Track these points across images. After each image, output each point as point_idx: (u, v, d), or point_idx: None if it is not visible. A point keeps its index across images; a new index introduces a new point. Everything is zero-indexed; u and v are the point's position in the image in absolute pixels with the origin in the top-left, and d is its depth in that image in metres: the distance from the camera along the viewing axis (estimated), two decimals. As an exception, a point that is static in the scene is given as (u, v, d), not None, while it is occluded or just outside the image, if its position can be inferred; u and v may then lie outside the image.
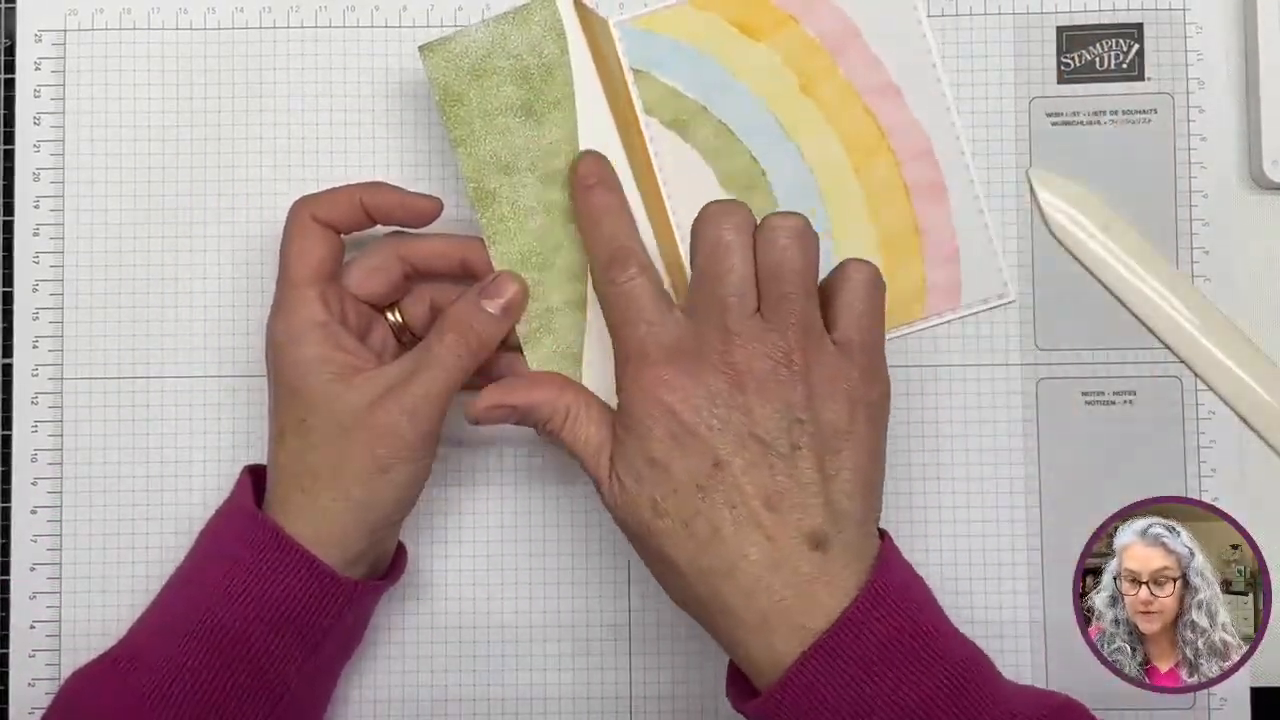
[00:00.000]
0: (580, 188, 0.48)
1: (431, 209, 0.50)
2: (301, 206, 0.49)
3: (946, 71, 0.55)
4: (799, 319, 0.43)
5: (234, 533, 0.47)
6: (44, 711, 0.47)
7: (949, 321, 0.54)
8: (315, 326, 0.47)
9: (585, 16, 0.51)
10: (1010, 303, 0.54)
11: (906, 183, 0.54)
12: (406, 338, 0.52)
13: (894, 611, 0.42)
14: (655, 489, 0.43)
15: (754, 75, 0.55)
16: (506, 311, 0.48)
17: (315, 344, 0.47)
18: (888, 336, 0.53)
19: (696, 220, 0.45)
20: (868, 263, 0.45)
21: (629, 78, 0.54)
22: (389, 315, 0.51)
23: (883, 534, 0.45)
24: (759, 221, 0.44)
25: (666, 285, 0.48)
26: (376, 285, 0.50)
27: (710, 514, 0.42)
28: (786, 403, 0.42)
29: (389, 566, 0.51)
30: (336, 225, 0.49)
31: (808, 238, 0.44)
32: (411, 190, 0.50)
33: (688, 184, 0.54)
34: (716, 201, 0.45)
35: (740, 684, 0.45)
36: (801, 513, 0.42)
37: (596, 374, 0.49)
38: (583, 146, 0.50)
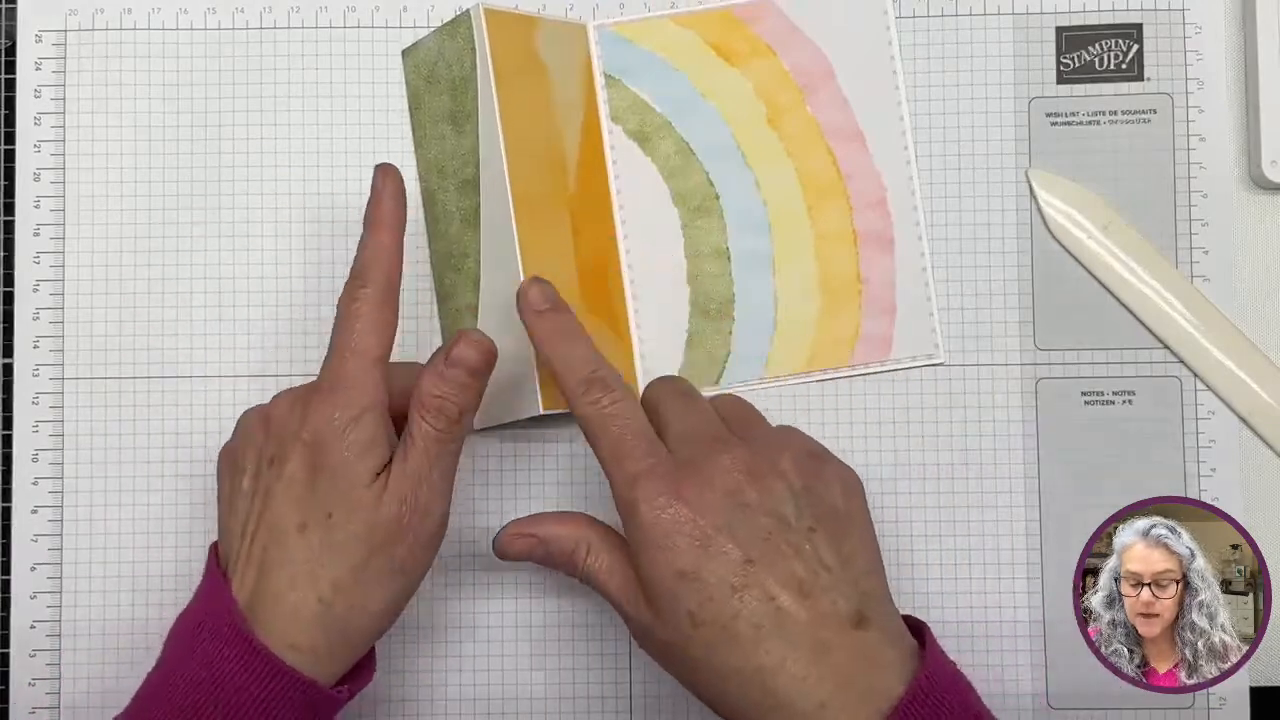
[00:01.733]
0: (530, 313, 0.47)
1: (395, 181, 0.47)
2: (384, 268, 0.46)
3: (941, 83, 0.55)
4: (767, 434, 0.47)
5: (224, 655, 0.43)
6: None
7: (872, 374, 0.54)
8: (375, 411, 0.44)
9: (512, 26, 0.51)
10: (939, 364, 0.54)
11: (856, 229, 0.55)
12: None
13: (952, 688, 0.42)
14: (689, 600, 0.42)
15: (724, 99, 0.55)
16: (473, 374, 0.45)
17: (372, 429, 0.44)
18: (813, 379, 0.54)
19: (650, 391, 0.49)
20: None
21: (599, 81, 0.54)
22: None
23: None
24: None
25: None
26: (389, 337, 0.46)
27: (750, 612, 0.42)
28: (791, 491, 0.44)
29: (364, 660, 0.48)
30: (396, 279, 0.47)
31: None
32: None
33: (641, 196, 0.55)
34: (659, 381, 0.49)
35: None
36: (835, 595, 0.43)
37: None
38: (481, 162, 0.51)
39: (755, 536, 0.43)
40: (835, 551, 0.43)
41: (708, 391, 0.54)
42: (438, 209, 0.53)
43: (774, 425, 0.49)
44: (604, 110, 0.54)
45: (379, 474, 0.44)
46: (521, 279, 0.48)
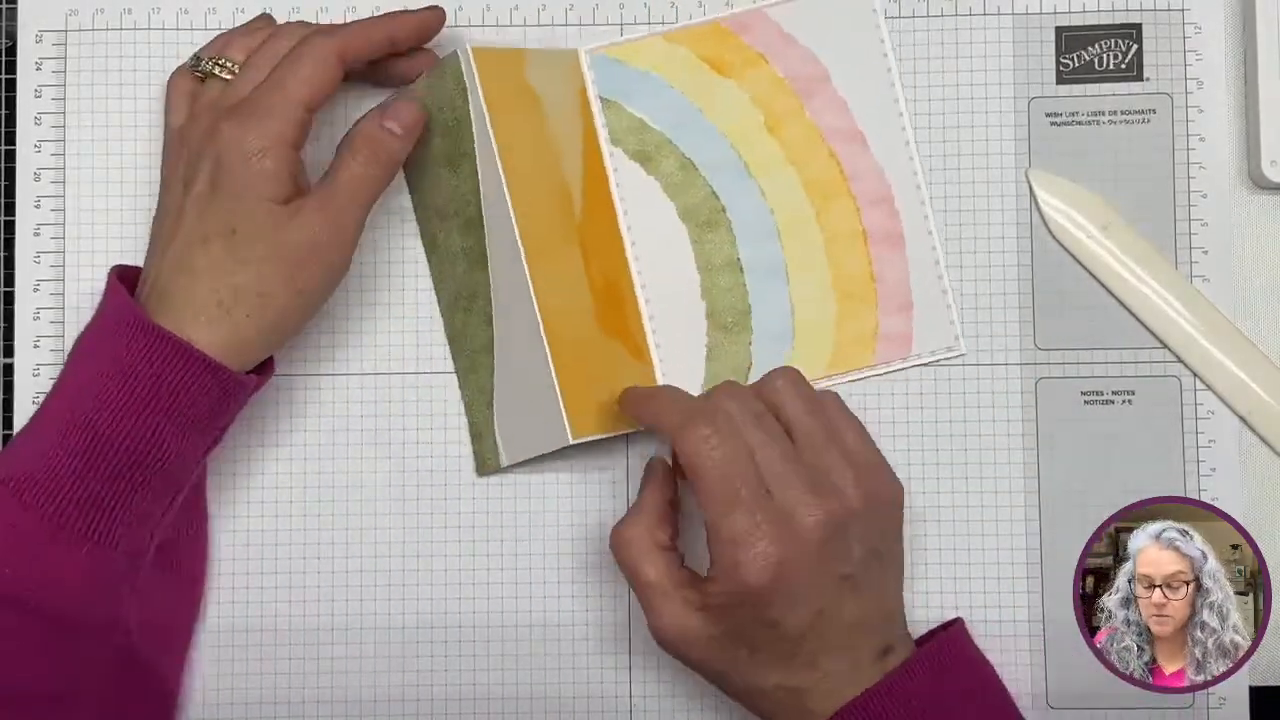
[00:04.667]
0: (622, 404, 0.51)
1: (437, 22, 0.52)
2: (329, 41, 0.49)
3: (941, 83, 0.55)
4: (843, 459, 0.47)
5: (119, 342, 0.46)
6: None
7: (897, 370, 0.54)
8: (287, 147, 0.48)
9: (501, 62, 0.51)
10: (961, 355, 0.54)
11: (865, 229, 0.55)
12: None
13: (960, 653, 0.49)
14: (758, 639, 0.46)
15: (721, 111, 0.55)
16: (407, 131, 0.50)
17: (280, 160, 0.47)
18: (838, 382, 0.53)
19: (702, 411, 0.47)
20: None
21: (595, 106, 0.54)
22: None
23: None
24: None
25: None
26: (322, 93, 0.49)
27: (808, 651, 0.46)
28: (863, 549, 0.47)
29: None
30: (356, 63, 0.50)
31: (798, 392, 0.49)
32: (414, 11, 0.52)
33: (648, 216, 0.54)
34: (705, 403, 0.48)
35: None
36: (875, 635, 0.47)
37: (503, 420, 0.52)
38: (482, 198, 0.51)
39: (831, 588, 0.46)
40: (879, 583, 0.48)
41: None
42: (441, 252, 0.53)
43: (860, 444, 0.49)
44: (603, 134, 0.54)
45: (288, 202, 0.47)
46: (536, 310, 0.49)
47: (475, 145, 0.50)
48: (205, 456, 0.50)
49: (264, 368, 0.50)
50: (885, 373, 0.54)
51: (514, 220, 0.50)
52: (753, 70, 0.55)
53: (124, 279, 0.49)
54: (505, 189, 0.50)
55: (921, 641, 0.50)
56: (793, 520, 0.45)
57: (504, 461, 0.53)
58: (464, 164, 0.51)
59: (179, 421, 0.46)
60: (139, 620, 0.49)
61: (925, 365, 0.54)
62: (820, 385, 0.54)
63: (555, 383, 0.50)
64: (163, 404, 0.46)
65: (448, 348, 0.54)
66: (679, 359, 0.54)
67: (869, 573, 0.47)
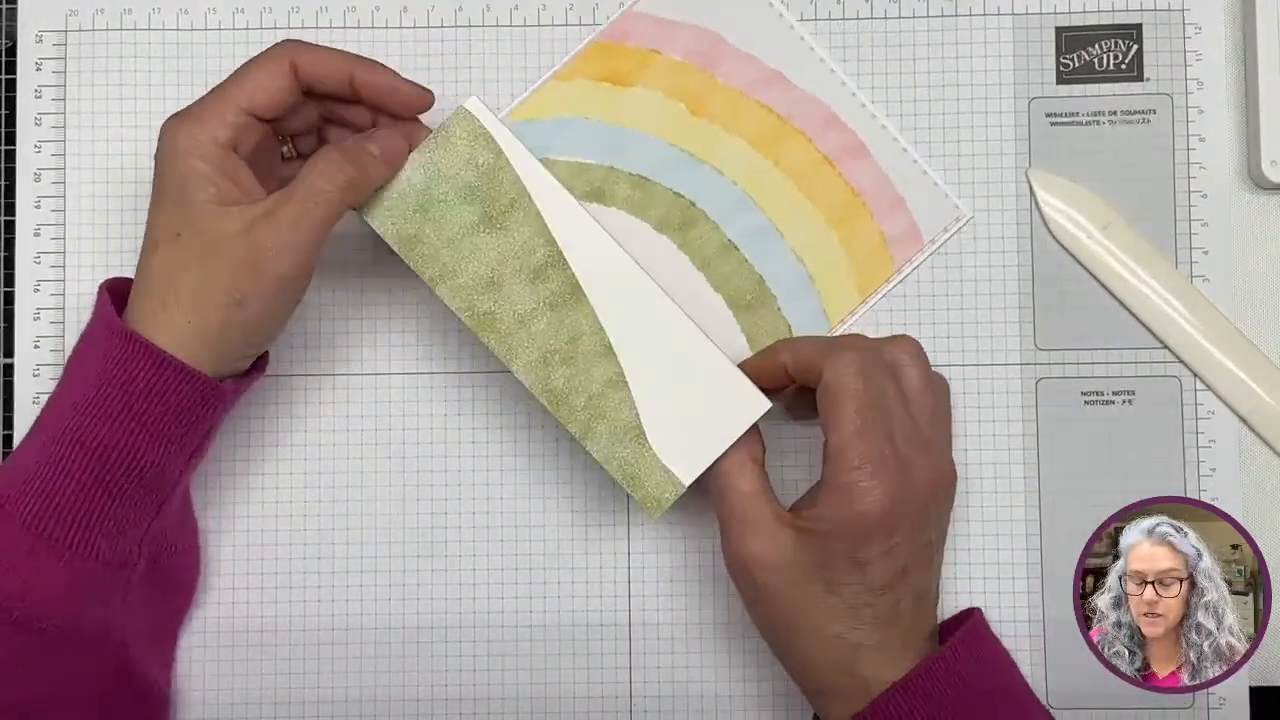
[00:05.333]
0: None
1: (421, 100, 0.49)
2: (288, 48, 0.48)
3: (941, 83, 0.55)
4: (944, 438, 0.48)
5: (100, 351, 0.46)
6: None
7: (923, 262, 0.55)
8: (215, 146, 0.46)
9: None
10: (969, 219, 0.55)
11: (825, 154, 0.55)
12: (292, 171, 0.51)
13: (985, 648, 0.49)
14: (841, 577, 0.46)
15: (643, 118, 0.55)
16: (386, 155, 0.48)
17: (209, 162, 0.46)
18: (871, 303, 0.54)
19: (831, 380, 0.46)
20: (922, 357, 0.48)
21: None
22: (283, 147, 0.51)
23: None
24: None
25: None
26: (267, 98, 0.47)
27: (879, 608, 0.46)
28: (940, 511, 0.48)
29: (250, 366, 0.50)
30: (312, 82, 0.48)
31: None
32: (406, 78, 0.49)
33: (627, 243, 0.54)
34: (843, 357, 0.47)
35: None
36: (930, 603, 0.48)
37: (665, 440, 0.49)
38: (555, 231, 0.49)
39: (917, 551, 0.46)
40: (938, 569, 0.49)
41: None
42: (505, 323, 0.49)
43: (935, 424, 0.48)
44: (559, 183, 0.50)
45: (233, 205, 0.46)
46: (669, 301, 0.49)
47: (525, 183, 0.49)
48: (190, 466, 0.49)
49: (246, 374, 0.49)
50: (909, 272, 0.55)
51: (608, 231, 0.49)
52: (651, 67, 0.55)
53: (119, 289, 0.48)
54: (576, 204, 0.49)
55: (945, 629, 0.50)
56: (910, 471, 0.45)
57: (686, 481, 0.49)
58: (512, 214, 0.49)
59: (155, 428, 0.46)
60: (133, 631, 0.49)
61: (939, 251, 0.55)
62: (860, 313, 0.55)
63: (724, 358, 0.49)
64: (136, 410, 0.45)
65: (534, 403, 0.52)
66: (725, 356, 0.53)
67: (938, 552, 0.48)
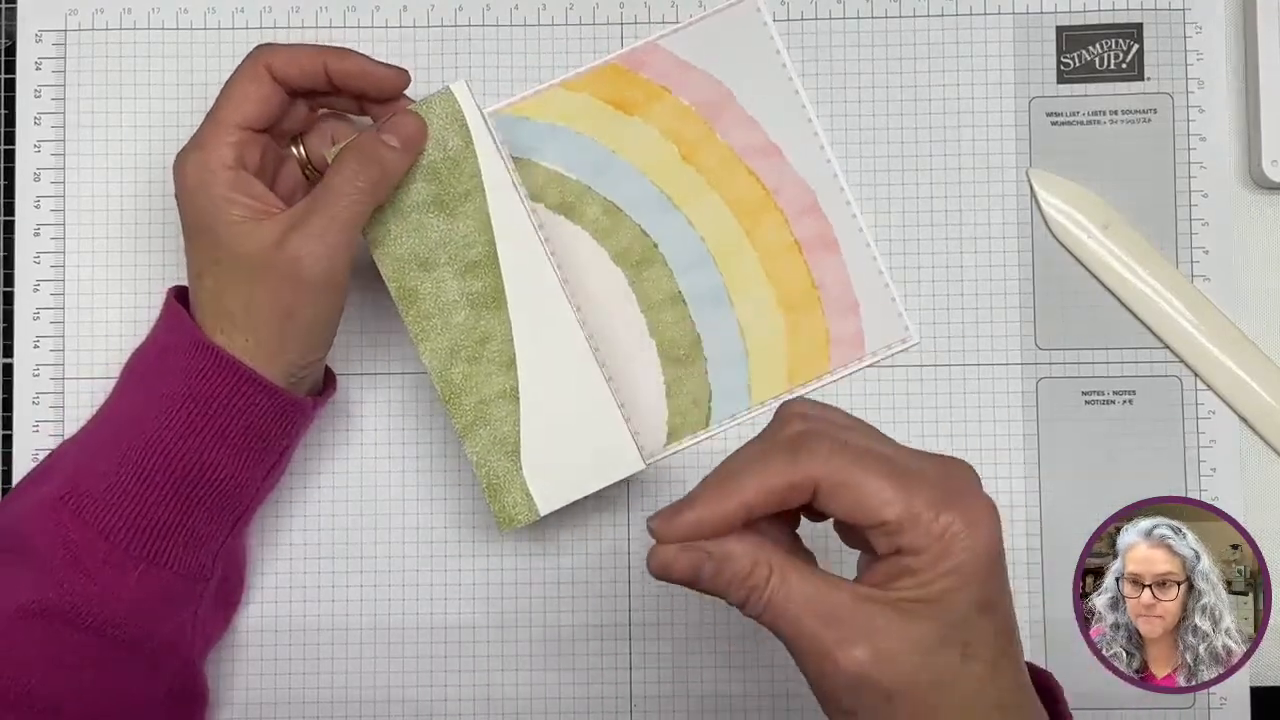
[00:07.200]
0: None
1: (396, 80, 0.49)
2: (260, 53, 0.48)
3: (941, 83, 0.55)
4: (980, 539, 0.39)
5: (181, 362, 0.47)
6: None
7: (854, 373, 0.54)
8: (225, 169, 0.47)
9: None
10: (915, 344, 0.54)
11: (798, 239, 0.55)
12: (310, 172, 0.51)
13: None
14: (973, 628, 0.37)
15: (634, 149, 0.55)
16: (406, 145, 0.48)
17: (224, 186, 0.47)
18: (798, 394, 0.53)
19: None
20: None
21: (508, 165, 0.50)
22: (294, 150, 0.51)
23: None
24: None
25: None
26: (255, 109, 0.48)
27: (1015, 651, 0.39)
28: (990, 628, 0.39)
29: (323, 386, 0.51)
30: (290, 82, 0.48)
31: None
32: (378, 61, 0.49)
33: (581, 267, 0.54)
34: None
35: None
36: (1013, 660, 0.39)
37: (536, 465, 0.49)
38: (497, 234, 0.49)
39: (952, 665, 0.38)
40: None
41: (700, 435, 0.54)
42: (425, 304, 0.50)
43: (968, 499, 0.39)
44: (521, 191, 0.50)
45: (262, 219, 0.46)
46: (584, 339, 0.49)
47: (484, 178, 0.49)
48: (267, 483, 0.49)
49: (322, 390, 0.50)
50: (843, 376, 0.54)
51: (546, 252, 0.49)
52: (657, 104, 0.55)
53: (185, 297, 0.49)
54: (532, 220, 0.49)
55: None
56: (967, 491, 0.38)
57: (541, 510, 0.50)
58: (464, 204, 0.49)
59: (236, 443, 0.46)
60: (199, 644, 0.50)
61: (879, 365, 0.54)
62: (781, 399, 0.54)
63: (616, 409, 0.49)
64: (219, 424, 0.46)
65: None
66: (639, 401, 0.54)
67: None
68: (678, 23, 0.55)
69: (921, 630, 0.37)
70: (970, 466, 0.40)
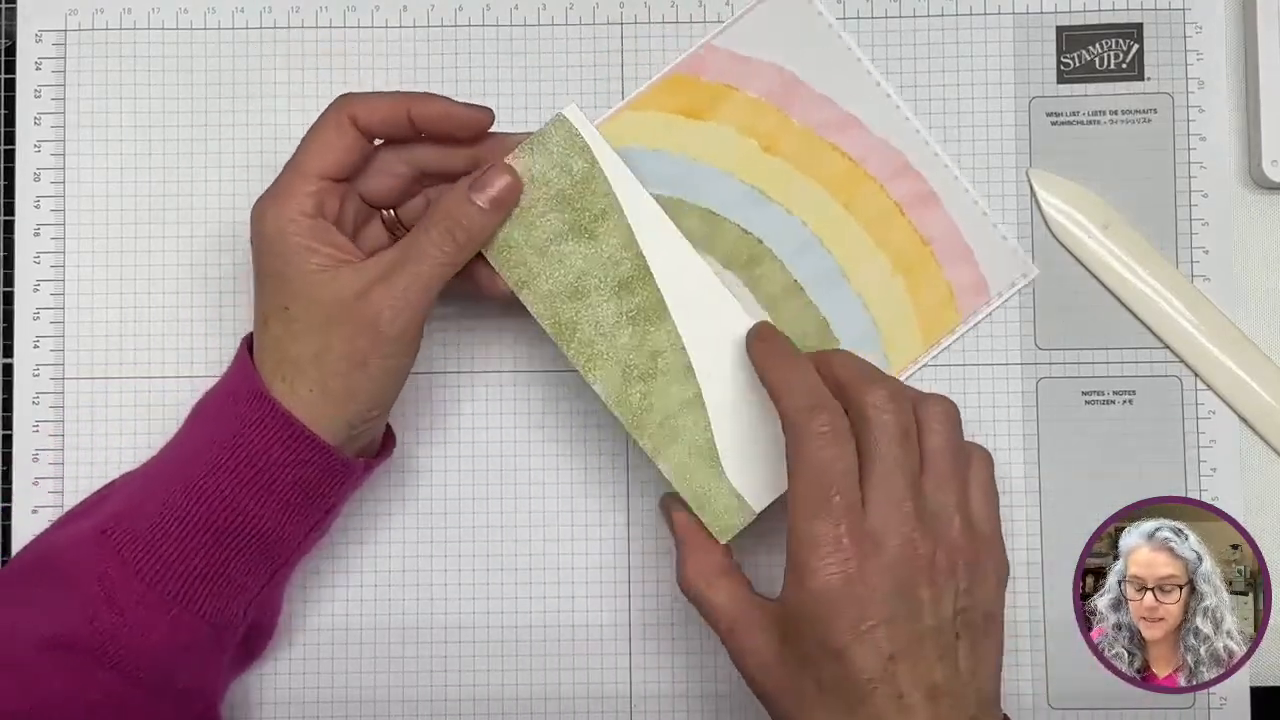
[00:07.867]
0: (754, 340, 0.48)
1: (481, 119, 0.48)
2: (344, 103, 0.47)
3: (941, 83, 0.55)
4: (960, 510, 0.44)
5: (236, 409, 0.47)
6: (18, 563, 0.48)
7: (990, 314, 0.54)
8: (304, 217, 0.46)
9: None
10: (1036, 275, 0.54)
11: (897, 201, 0.55)
12: (400, 232, 0.51)
13: None
14: (824, 671, 0.43)
15: (714, 153, 0.55)
16: (496, 205, 0.47)
17: (302, 235, 0.46)
18: (940, 351, 0.54)
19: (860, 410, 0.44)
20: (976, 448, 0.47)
21: (633, 174, 0.50)
22: (384, 212, 0.51)
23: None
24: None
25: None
26: (336, 158, 0.47)
27: (876, 704, 0.42)
28: (956, 593, 0.43)
29: (380, 447, 0.51)
30: (373, 131, 0.48)
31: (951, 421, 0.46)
32: (461, 102, 0.48)
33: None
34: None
35: None
36: (955, 701, 0.42)
37: (737, 465, 0.48)
38: (642, 245, 0.48)
39: (910, 636, 0.42)
40: (972, 656, 0.44)
41: None
42: (586, 332, 0.48)
43: (960, 455, 0.46)
44: (650, 197, 0.49)
45: (343, 269, 0.46)
46: (749, 322, 0.48)
47: (616, 194, 0.48)
48: (309, 539, 0.49)
49: (379, 452, 0.50)
50: (977, 323, 0.54)
51: (692, 248, 0.48)
52: (726, 102, 0.55)
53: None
54: (666, 218, 0.48)
55: None
56: (881, 544, 0.42)
57: (758, 508, 0.48)
58: (602, 224, 0.48)
59: (282, 496, 0.46)
60: (222, 691, 0.49)
61: (1003, 305, 0.54)
62: (922, 361, 0.54)
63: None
64: (265, 478, 0.46)
65: (620, 428, 0.52)
66: None
67: (960, 640, 0.43)
68: (678, 21, 0.55)
69: (783, 650, 0.44)
70: (958, 552, 0.44)
